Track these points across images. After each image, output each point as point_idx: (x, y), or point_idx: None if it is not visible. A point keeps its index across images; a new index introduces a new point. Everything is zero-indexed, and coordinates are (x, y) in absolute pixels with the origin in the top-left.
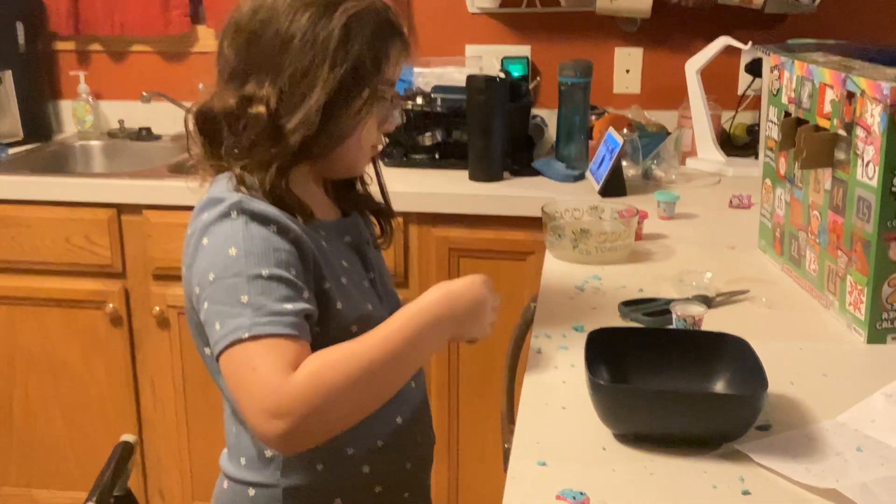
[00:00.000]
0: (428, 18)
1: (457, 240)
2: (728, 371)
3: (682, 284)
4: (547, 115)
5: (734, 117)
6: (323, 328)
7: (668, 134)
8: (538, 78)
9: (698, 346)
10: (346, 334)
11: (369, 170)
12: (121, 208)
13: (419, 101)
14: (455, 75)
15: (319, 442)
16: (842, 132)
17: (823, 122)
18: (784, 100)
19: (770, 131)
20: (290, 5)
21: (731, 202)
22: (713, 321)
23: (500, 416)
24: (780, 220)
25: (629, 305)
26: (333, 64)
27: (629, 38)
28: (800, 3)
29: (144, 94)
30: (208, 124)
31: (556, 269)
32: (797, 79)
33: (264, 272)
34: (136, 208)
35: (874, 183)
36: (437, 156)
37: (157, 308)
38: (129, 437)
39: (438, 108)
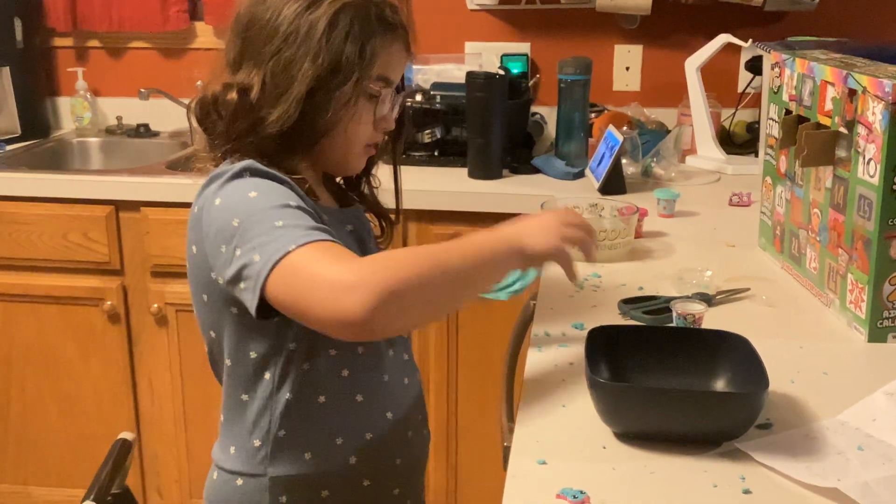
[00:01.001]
0: (427, 15)
1: (456, 237)
2: (728, 369)
3: (682, 282)
4: (546, 113)
5: (734, 115)
6: None
7: (668, 131)
8: (538, 75)
9: (698, 344)
10: None
11: (384, 174)
12: (119, 205)
13: (418, 98)
14: (454, 72)
15: (400, 326)
16: (843, 130)
17: (824, 120)
18: (785, 97)
19: (770, 129)
20: None
21: (731, 200)
22: (713, 319)
23: (500, 414)
24: (780, 217)
25: (629, 303)
26: (315, 56)
27: (629, 36)
28: (800, 0)
29: (142, 90)
30: (205, 113)
31: (556, 266)
32: (798, 76)
33: (292, 202)
34: (133, 205)
35: (875, 181)
36: (436, 153)
37: (156, 305)
38: (126, 435)
39: (437, 106)
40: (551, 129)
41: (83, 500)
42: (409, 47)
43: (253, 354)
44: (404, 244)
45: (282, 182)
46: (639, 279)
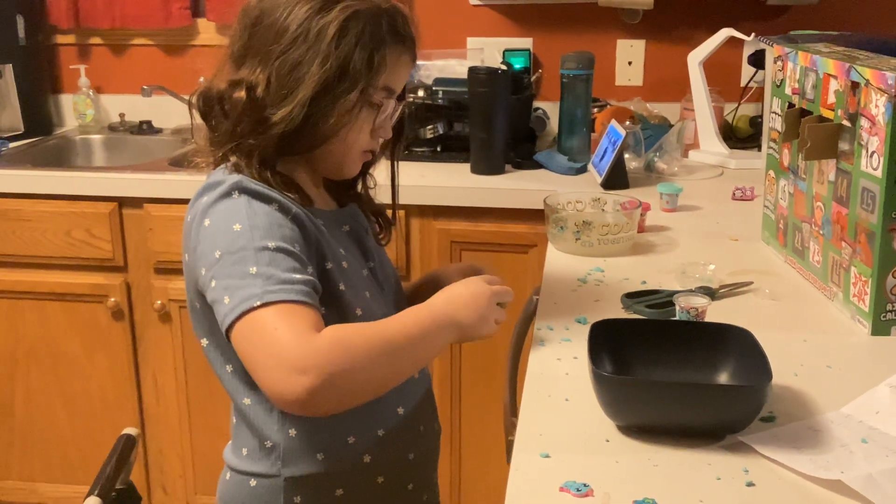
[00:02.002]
0: (429, 11)
1: (458, 233)
2: (732, 362)
3: (685, 276)
4: (549, 108)
5: (737, 109)
6: (328, 309)
7: (671, 126)
8: (540, 70)
9: (702, 337)
10: (352, 317)
11: (378, 172)
12: (122, 202)
13: (421, 93)
14: (457, 68)
15: (336, 408)
16: (846, 123)
17: (827, 113)
18: (787, 91)
19: (773, 122)
20: None
21: (734, 194)
22: (716, 313)
23: (503, 408)
24: (783, 211)
25: (632, 297)
26: (324, 60)
27: (631, 30)
28: None
29: (145, 87)
30: (208, 107)
31: (559, 261)
32: (801, 69)
33: (270, 244)
34: (137, 202)
35: (878, 174)
36: (438, 148)
37: (159, 301)
38: (130, 431)
39: (440, 101)
40: (554, 124)
41: (87, 495)
42: (415, 58)
43: None
44: (407, 240)
45: (270, 202)
46: (642, 273)
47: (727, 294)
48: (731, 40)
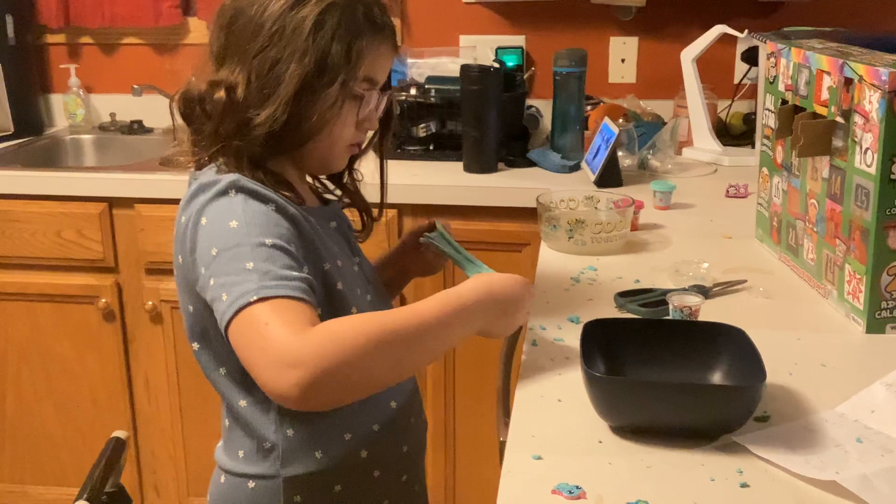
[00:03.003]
0: (421, 8)
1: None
2: (726, 362)
3: (678, 275)
4: (542, 106)
5: (730, 106)
6: (327, 309)
7: (664, 123)
8: (533, 68)
9: (695, 336)
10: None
11: (367, 168)
12: (112, 202)
13: (413, 91)
14: (449, 66)
15: (337, 401)
16: (839, 119)
17: (821, 110)
18: (781, 87)
19: (767, 119)
20: None
21: (727, 191)
22: (710, 311)
23: (496, 408)
24: (777, 209)
25: (625, 296)
26: (302, 56)
27: (624, 27)
28: None
29: (135, 87)
30: (189, 109)
31: (552, 259)
32: (794, 66)
33: (267, 241)
34: (127, 202)
35: (872, 170)
36: (431, 147)
37: (150, 302)
38: (120, 434)
39: (432, 99)
40: (547, 121)
41: (76, 499)
42: (395, 47)
43: None
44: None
45: (267, 201)
46: (635, 272)
47: (721, 292)
48: (725, 37)
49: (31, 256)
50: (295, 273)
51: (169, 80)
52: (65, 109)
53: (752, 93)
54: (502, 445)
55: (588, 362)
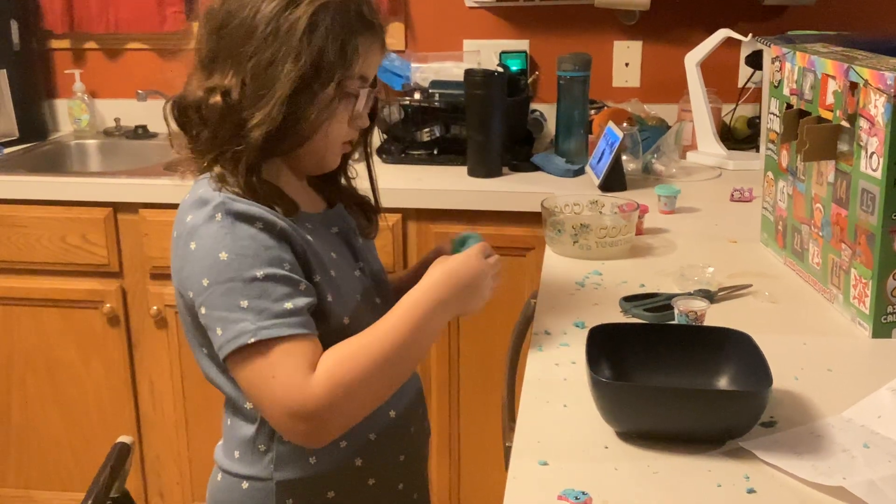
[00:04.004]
0: (425, 13)
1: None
2: (731, 367)
3: (683, 279)
4: (546, 110)
5: (735, 110)
6: (317, 322)
7: (669, 127)
8: (537, 72)
9: (701, 341)
10: (339, 326)
11: (360, 165)
12: (117, 207)
13: (417, 96)
14: (453, 70)
15: (342, 432)
16: (845, 123)
17: (826, 114)
18: (786, 91)
19: (771, 123)
20: None
21: (732, 196)
22: (715, 316)
23: (501, 414)
24: (782, 213)
25: (630, 301)
26: (297, 56)
27: (628, 31)
28: None
29: (140, 92)
30: (183, 116)
31: (557, 264)
32: (799, 70)
33: (259, 273)
34: (132, 207)
35: (878, 175)
36: (435, 151)
37: (155, 307)
38: (125, 439)
39: (436, 104)
40: (551, 126)
41: None
42: (384, 44)
43: None
44: (404, 244)
45: (254, 222)
46: (640, 276)
47: (726, 297)
48: (729, 41)
49: (36, 261)
50: (290, 305)
51: (173, 85)
52: (69, 114)
53: (756, 97)
54: (508, 451)
55: (594, 367)
